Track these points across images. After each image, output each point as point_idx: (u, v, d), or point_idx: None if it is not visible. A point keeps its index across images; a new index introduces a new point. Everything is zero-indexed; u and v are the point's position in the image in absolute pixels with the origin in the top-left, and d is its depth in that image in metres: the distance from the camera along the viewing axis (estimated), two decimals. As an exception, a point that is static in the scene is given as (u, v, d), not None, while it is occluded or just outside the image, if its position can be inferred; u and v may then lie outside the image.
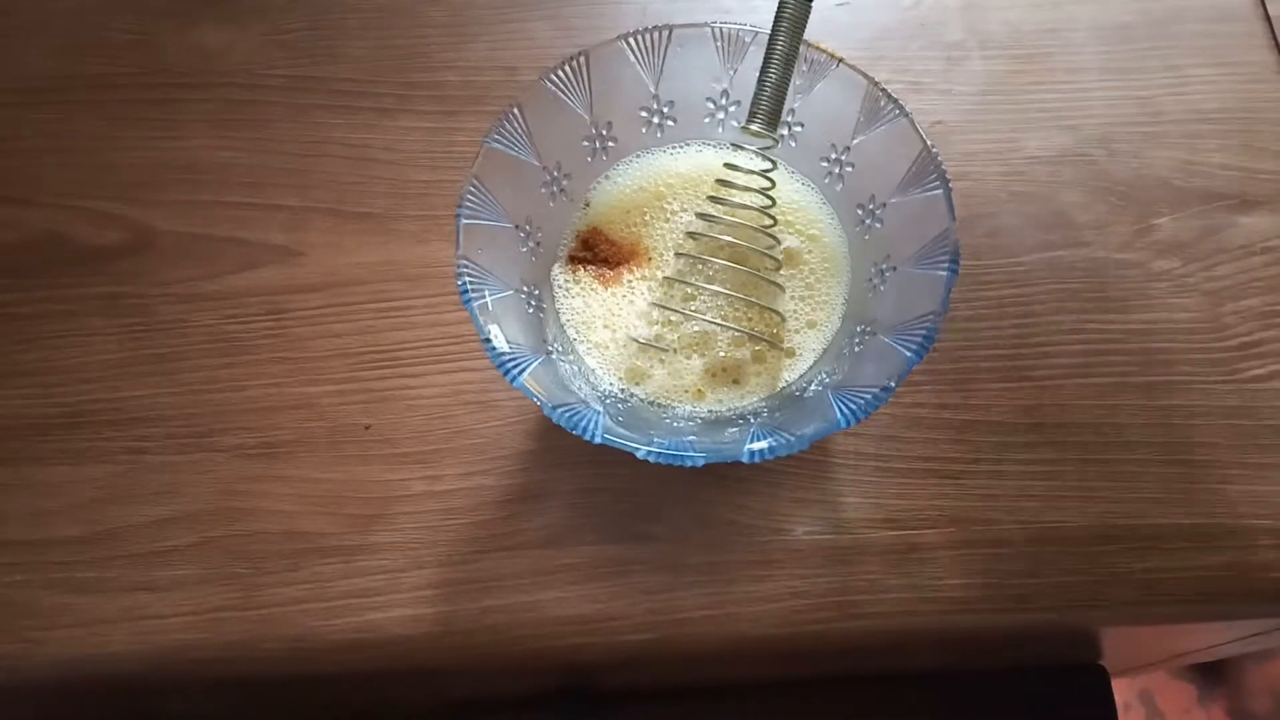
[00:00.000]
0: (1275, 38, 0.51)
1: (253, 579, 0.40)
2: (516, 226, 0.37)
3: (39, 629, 0.40)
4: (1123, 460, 0.42)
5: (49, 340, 0.45)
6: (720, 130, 0.41)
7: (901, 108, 0.36)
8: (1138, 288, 0.45)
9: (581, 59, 0.37)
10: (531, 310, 0.37)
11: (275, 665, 0.40)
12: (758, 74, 0.36)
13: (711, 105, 0.40)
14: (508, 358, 0.32)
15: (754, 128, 0.36)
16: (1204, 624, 0.46)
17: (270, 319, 0.45)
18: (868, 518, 0.41)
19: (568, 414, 0.32)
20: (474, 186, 0.35)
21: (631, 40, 0.37)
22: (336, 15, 0.52)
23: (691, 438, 0.33)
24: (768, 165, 0.38)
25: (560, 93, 0.37)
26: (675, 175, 0.41)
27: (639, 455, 0.31)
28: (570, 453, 0.42)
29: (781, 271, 0.39)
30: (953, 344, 0.44)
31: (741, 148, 0.40)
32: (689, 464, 0.31)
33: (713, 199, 0.39)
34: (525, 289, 0.37)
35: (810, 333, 0.39)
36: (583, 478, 0.42)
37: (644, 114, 0.40)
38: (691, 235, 0.39)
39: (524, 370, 0.33)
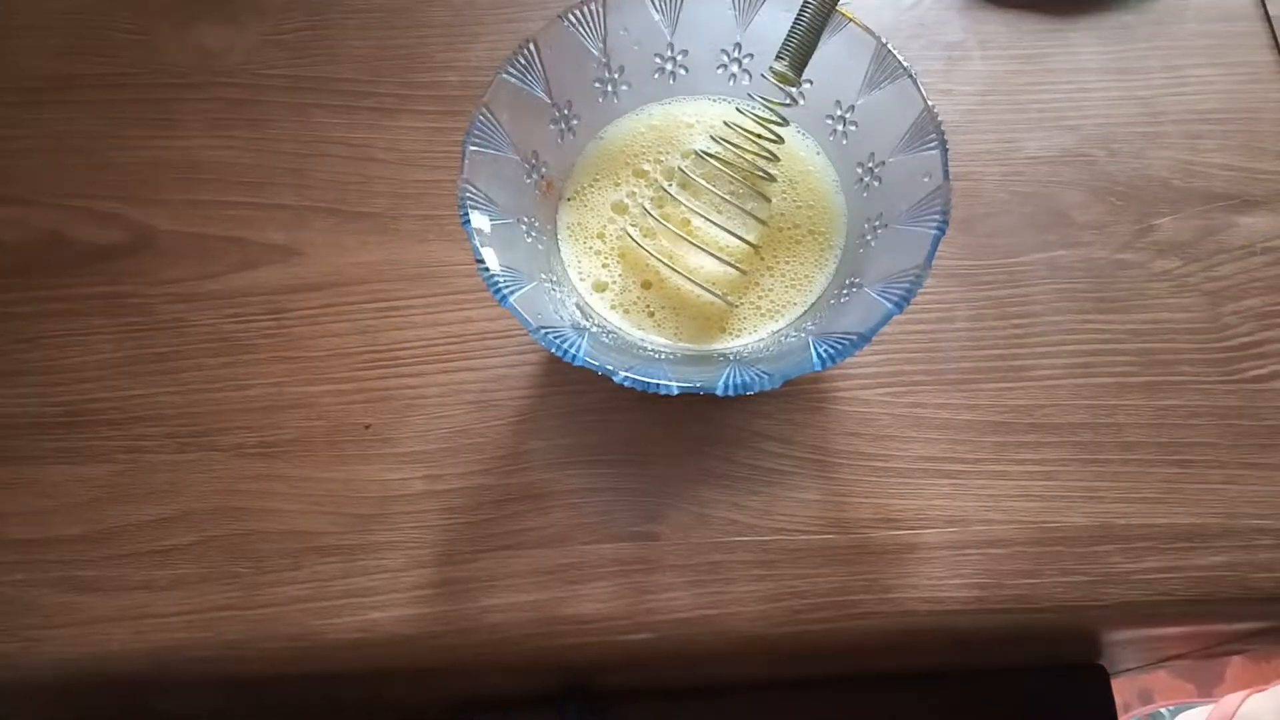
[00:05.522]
0: (1275, 38, 0.51)
1: (253, 579, 0.40)
2: (522, 159, 0.38)
3: (39, 628, 0.40)
4: (1123, 460, 0.42)
5: (49, 340, 0.45)
6: (731, 84, 0.42)
7: (906, 69, 0.36)
8: (1138, 288, 0.45)
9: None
10: (530, 240, 0.38)
11: (275, 664, 0.41)
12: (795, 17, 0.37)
13: (725, 57, 0.41)
14: (500, 279, 0.34)
15: (778, 67, 0.37)
16: (1204, 624, 0.46)
17: (270, 319, 0.45)
18: (868, 518, 0.41)
19: (553, 335, 0.33)
20: (484, 113, 0.36)
21: None
22: (336, 15, 0.52)
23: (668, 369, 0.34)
24: (778, 121, 0.39)
25: (577, 30, 0.39)
26: (687, 121, 0.42)
27: (616, 379, 0.32)
28: (570, 452, 0.42)
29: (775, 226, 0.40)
30: (953, 344, 0.44)
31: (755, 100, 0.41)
32: (664, 392, 0.32)
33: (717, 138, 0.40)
34: (525, 219, 0.38)
35: (796, 290, 0.40)
36: (583, 477, 0.42)
37: (657, 60, 0.41)
38: (699, 155, 0.40)
39: (515, 292, 0.34)
